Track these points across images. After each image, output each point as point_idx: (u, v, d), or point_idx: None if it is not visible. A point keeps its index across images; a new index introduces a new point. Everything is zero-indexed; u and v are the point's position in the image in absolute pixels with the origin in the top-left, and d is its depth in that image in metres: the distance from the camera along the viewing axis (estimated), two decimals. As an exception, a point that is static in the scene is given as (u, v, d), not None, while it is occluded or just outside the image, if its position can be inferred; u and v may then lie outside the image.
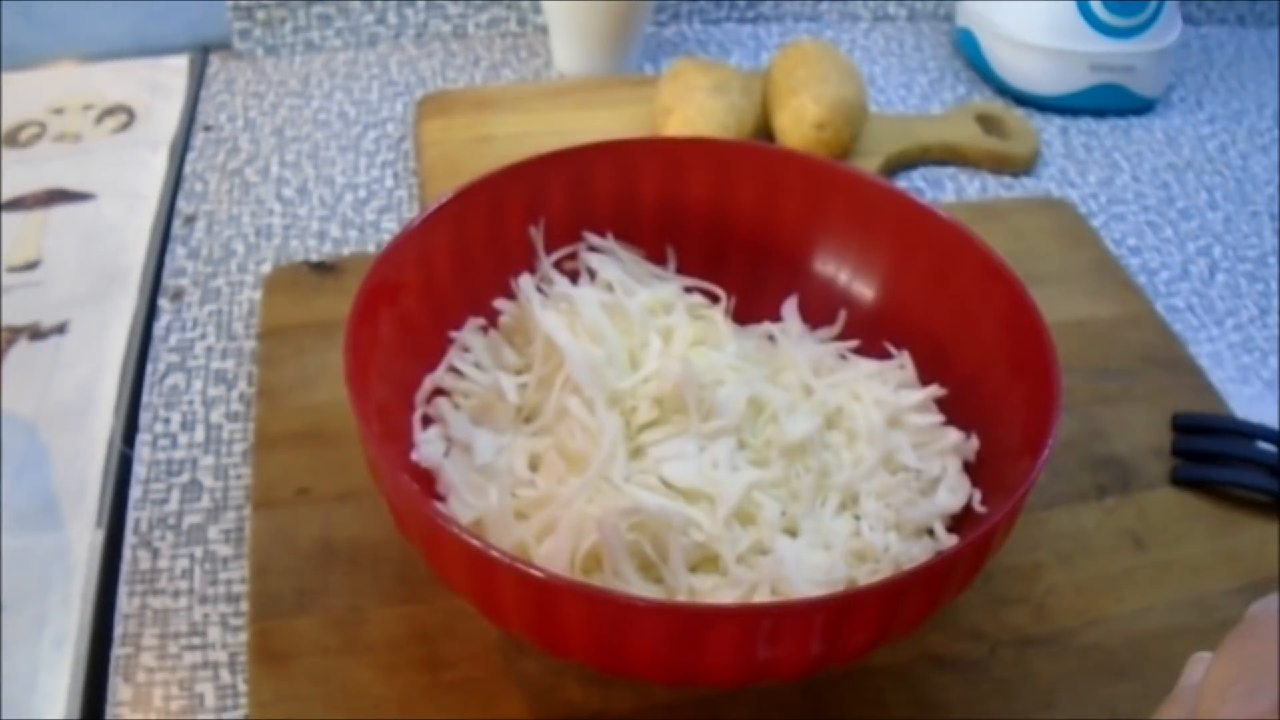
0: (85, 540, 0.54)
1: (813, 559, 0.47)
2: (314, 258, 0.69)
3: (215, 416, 0.61)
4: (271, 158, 0.79)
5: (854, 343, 0.57)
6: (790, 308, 0.59)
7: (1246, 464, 0.58)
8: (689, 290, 0.58)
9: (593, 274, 0.57)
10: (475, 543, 0.40)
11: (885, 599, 0.40)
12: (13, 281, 0.68)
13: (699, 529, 0.47)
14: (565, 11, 0.85)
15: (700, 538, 0.47)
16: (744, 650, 0.40)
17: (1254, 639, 0.29)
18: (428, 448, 0.51)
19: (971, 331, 0.53)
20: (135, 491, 0.57)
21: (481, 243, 0.55)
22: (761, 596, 0.45)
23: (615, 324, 0.54)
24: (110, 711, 0.48)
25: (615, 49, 0.86)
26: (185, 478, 0.57)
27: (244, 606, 0.51)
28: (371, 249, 0.72)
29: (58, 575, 0.53)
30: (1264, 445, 0.59)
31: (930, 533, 0.49)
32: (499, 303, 0.56)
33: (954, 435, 0.52)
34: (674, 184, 0.58)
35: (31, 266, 0.69)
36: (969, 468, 0.51)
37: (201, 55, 0.89)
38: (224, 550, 0.54)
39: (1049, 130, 0.86)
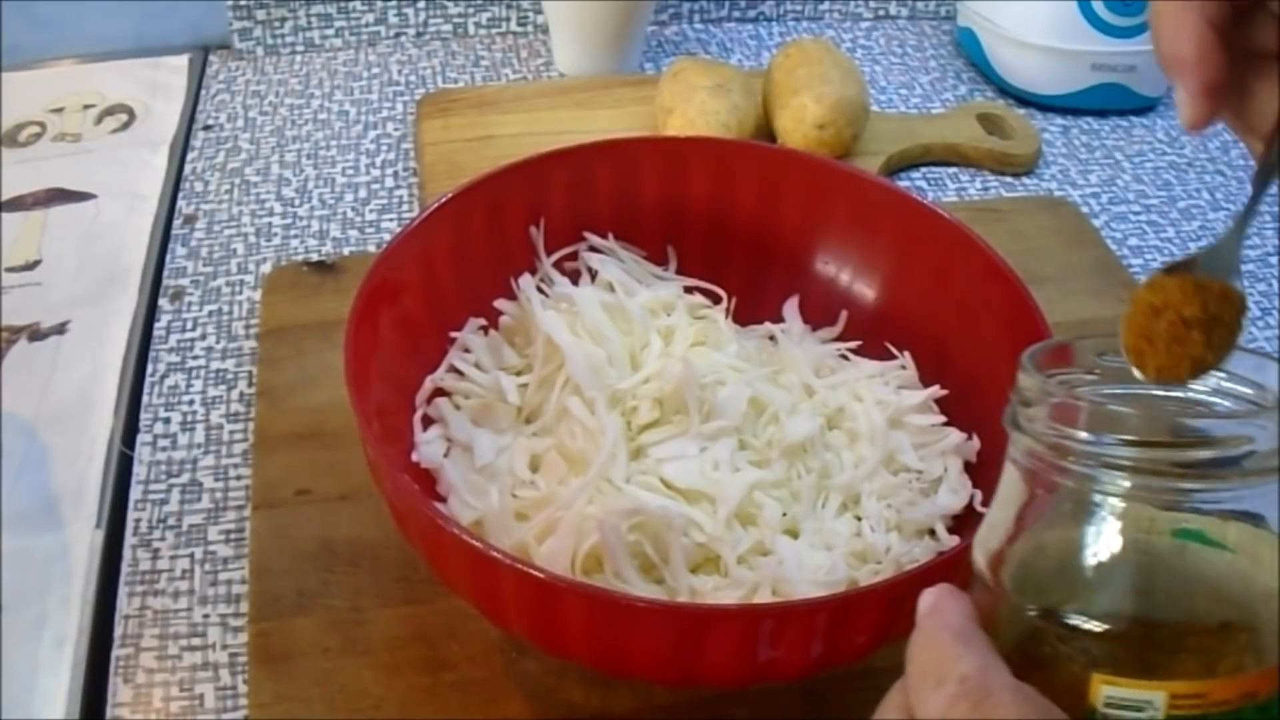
0: (85, 541, 0.54)
1: (814, 560, 0.47)
2: (314, 258, 0.69)
3: (215, 417, 0.60)
4: (271, 158, 0.79)
5: (855, 343, 0.57)
6: (791, 308, 0.59)
7: (1248, 464, 0.58)
8: (690, 290, 0.58)
9: (593, 274, 0.57)
10: (476, 544, 0.40)
11: (886, 600, 0.40)
12: (13, 281, 0.68)
13: (700, 530, 0.47)
14: (565, 11, 0.85)
15: (701, 538, 0.47)
16: (745, 651, 0.40)
17: (921, 647, 0.31)
18: (428, 448, 0.50)
19: (973, 332, 0.53)
20: (135, 492, 0.57)
21: (482, 243, 0.55)
22: (762, 597, 0.45)
23: (616, 324, 0.54)
24: (110, 712, 0.48)
25: (616, 49, 0.86)
26: (185, 478, 0.57)
27: (244, 607, 0.51)
28: (371, 249, 0.72)
29: (57, 576, 0.53)
30: (1266, 445, 0.59)
31: (932, 533, 0.49)
32: (500, 303, 0.56)
33: (955, 436, 0.52)
34: (675, 184, 0.58)
35: (31, 266, 0.69)
36: (970, 468, 0.51)
37: (201, 55, 0.89)
38: (224, 551, 0.54)
39: (1050, 130, 0.86)
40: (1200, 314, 0.33)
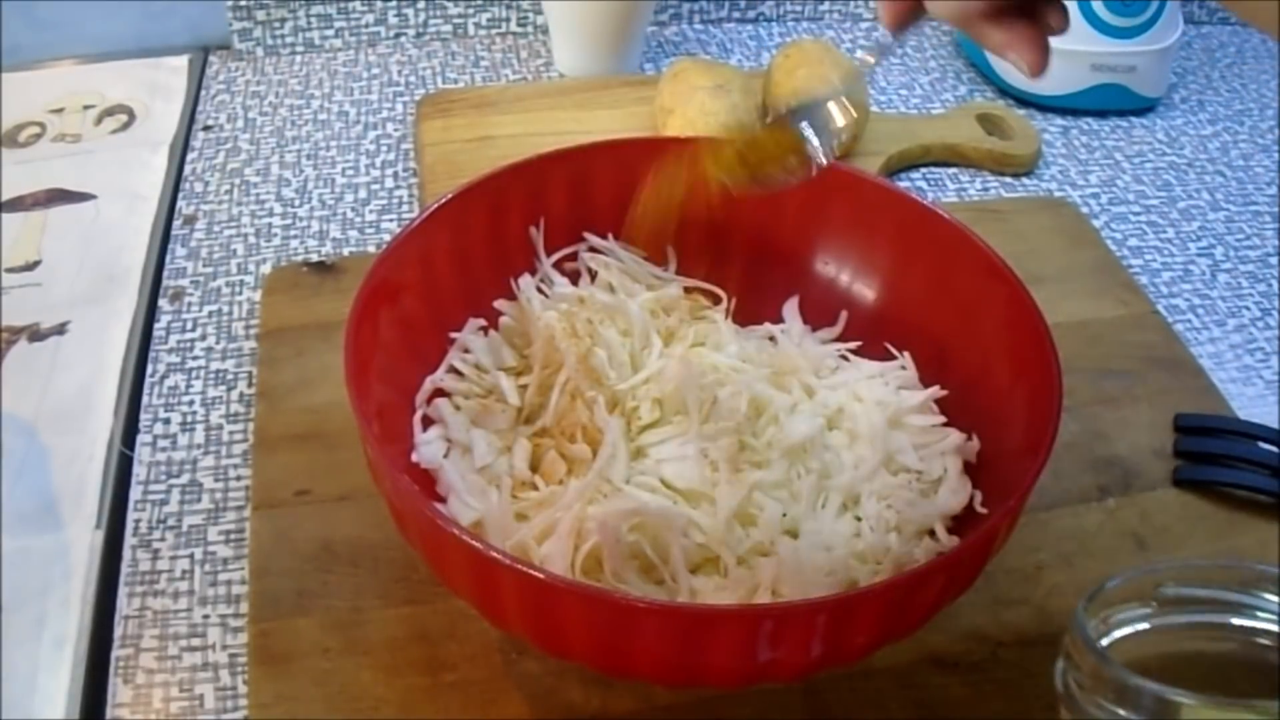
0: (85, 541, 0.54)
1: (814, 560, 0.47)
2: (314, 258, 0.69)
3: (215, 417, 0.60)
4: (271, 158, 0.79)
5: (855, 344, 0.57)
6: (791, 309, 0.59)
7: (1248, 465, 0.58)
8: (690, 291, 0.58)
9: (593, 275, 0.57)
10: (476, 544, 0.40)
11: (886, 600, 0.40)
12: (12, 281, 0.68)
13: (700, 530, 0.47)
14: (565, 11, 0.85)
15: (701, 539, 0.47)
16: (745, 652, 0.40)
17: None
18: (428, 449, 0.50)
19: (973, 332, 0.53)
20: (135, 492, 0.57)
21: (481, 243, 0.55)
22: (762, 598, 0.45)
23: (616, 324, 0.54)
24: (110, 713, 0.48)
25: (615, 49, 0.86)
26: (185, 479, 0.57)
27: (244, 608, 0.51)
28: (371, 249, 0.72)
29: (57, 576, 0.53)
30: (1266, 446, 0.59)
31: (931, 534, 0.49)
32: (499, 303, 0.56)
33: (955, 436, 0.52)
34: (675, 184, 0.58)
35: (31, 267, 0.69)
36: (970, 469, 0.51)
37: (201, 55, 0.89)
38: (224, 551, 0.54)
39: (1050, 130, 0.86)
40: (751, 154, 0.50)
